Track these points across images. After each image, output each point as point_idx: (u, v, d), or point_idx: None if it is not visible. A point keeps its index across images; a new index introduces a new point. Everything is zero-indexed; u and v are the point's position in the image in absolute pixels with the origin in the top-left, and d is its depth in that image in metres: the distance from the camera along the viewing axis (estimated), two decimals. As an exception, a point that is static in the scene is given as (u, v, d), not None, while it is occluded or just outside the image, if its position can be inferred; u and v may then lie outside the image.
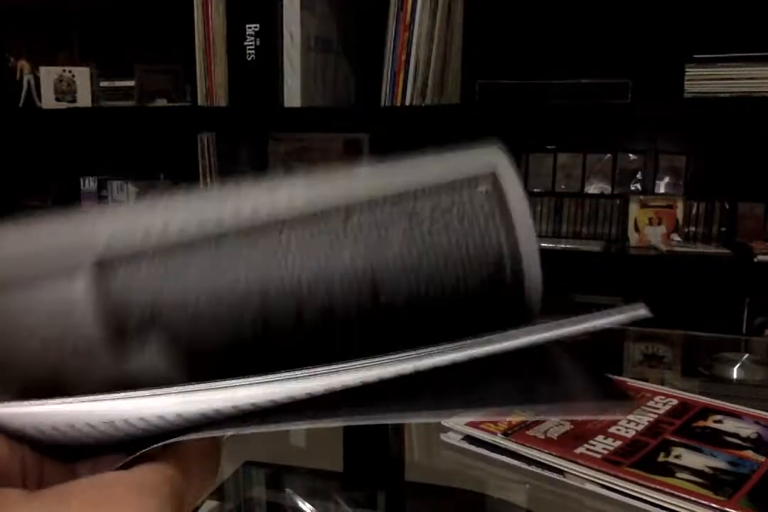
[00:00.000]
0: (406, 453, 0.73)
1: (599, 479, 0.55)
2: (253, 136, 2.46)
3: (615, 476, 0.55)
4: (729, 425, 0.65)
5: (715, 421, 0.66)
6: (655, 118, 2.18)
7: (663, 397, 0.72)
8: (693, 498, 0.51)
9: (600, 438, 0.62)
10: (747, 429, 0.64)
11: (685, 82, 1.84)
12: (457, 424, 0.64)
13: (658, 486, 0.53)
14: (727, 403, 0.70)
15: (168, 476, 0.26)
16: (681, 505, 0.51)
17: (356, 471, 0.69)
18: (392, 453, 0.72)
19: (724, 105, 1.85)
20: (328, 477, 0.67)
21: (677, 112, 2.10)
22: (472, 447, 0.62)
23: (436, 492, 0.64)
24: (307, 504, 0.61)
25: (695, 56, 1.84)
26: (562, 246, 2.04)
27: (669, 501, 0.51)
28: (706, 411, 0.68)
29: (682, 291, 2.16)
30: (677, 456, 0.58)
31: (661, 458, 0.58)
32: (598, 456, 0.58)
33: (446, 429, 0.64)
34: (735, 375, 0.89)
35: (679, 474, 0.55)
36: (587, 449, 0.59)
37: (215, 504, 0.60)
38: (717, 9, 2.04)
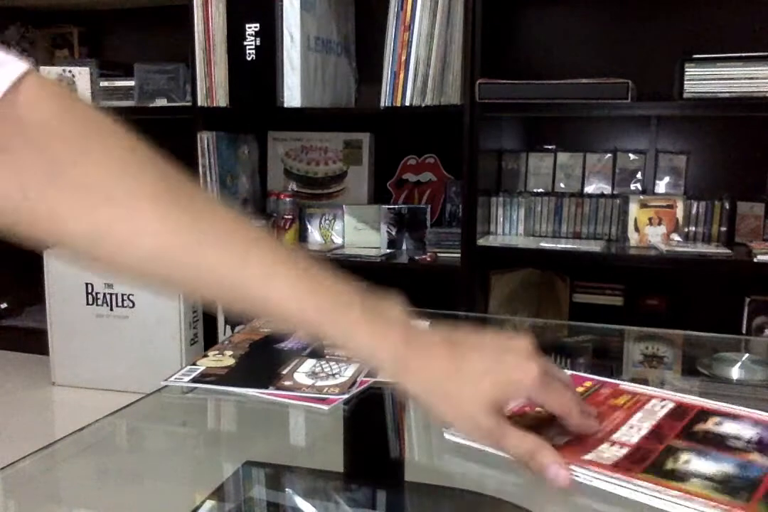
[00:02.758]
0: (406, 453, 0.72)
1: (613, 482, 0.54)
2: (253, 136, 2.46)
3: (629, 482, 0.54)
4: (729, 427, 0.65)
5: (715, 424, 0.65)
6: (655, 118, 2.18)
7: (659, 400, 0.71)
8: (713, 503, 0.51)
9: (605, 446, 0.60)
10: (747, 431, 0.64)
11: (685, 82, 1.84)
12: (457, 424, 0.64)
13: (677, 492, 0.52)
14: (723, 404, 0.70)
15: None
16: (703, 509, 0.50)
17: (356, 471, 0.69)
18: (392, 453, 0.72)
19: (724, 105, 1.85)
20: (328, 477, 0.67)
21: (677, 112, 2.11)
22: (473, 447, 0.61)
23: (436, 492, 0.64)
24: (307, 504, 0.61)
25: (695, 56, 1.84)
26: (562, 246, 2.04)
27: (689, 505, 0.50)
28: (704, 414, 0.67)
29: (682, 291, 2.17)
30: (686, 462, 0.57)
31: (669, 464, 0.57)
32: (608, 463, 0.57)
33: (447, 429, 0.64)
34: (735, 375, 0.89)
35: (692, 480, 0.54)
36: (597, 456, 0.58)
37: (215, 504, 0.60)
38: (716, 9, 2.04)
